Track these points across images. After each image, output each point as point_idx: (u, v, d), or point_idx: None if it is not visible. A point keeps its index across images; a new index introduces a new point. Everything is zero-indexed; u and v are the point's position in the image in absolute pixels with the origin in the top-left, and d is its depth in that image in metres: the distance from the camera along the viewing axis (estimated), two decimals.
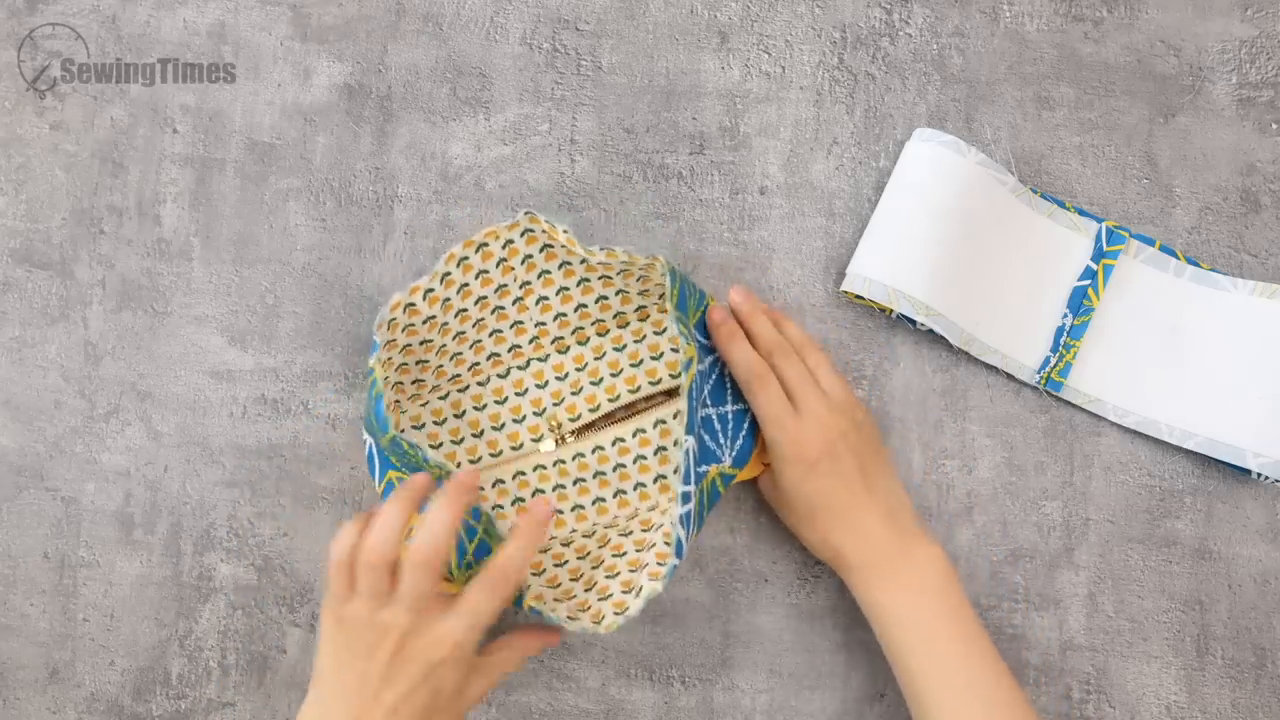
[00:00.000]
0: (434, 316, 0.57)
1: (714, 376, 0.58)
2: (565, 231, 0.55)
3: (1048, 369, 0.61)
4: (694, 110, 0.64)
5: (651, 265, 0.56)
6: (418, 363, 0.59)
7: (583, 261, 0.58)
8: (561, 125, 0.64)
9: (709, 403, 0.57)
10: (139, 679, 0.62)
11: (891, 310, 0.60)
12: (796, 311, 0.63)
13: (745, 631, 0.61)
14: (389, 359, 0.56)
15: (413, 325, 0.57)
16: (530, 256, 0.59)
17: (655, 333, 0.62)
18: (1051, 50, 0.64)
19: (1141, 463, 0.62)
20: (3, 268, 0.64)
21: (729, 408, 0.58)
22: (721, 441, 0.57)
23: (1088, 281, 0.61)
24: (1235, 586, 0.61)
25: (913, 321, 0.61)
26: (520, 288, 0.60)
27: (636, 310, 0.61)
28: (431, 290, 0.56)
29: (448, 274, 0.57)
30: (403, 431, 0.60)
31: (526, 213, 0.56)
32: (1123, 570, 0.61)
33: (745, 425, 0.58)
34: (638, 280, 0.59)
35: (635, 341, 0.62)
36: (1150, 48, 0.64)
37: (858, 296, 0.61)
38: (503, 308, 0.60)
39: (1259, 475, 0.59)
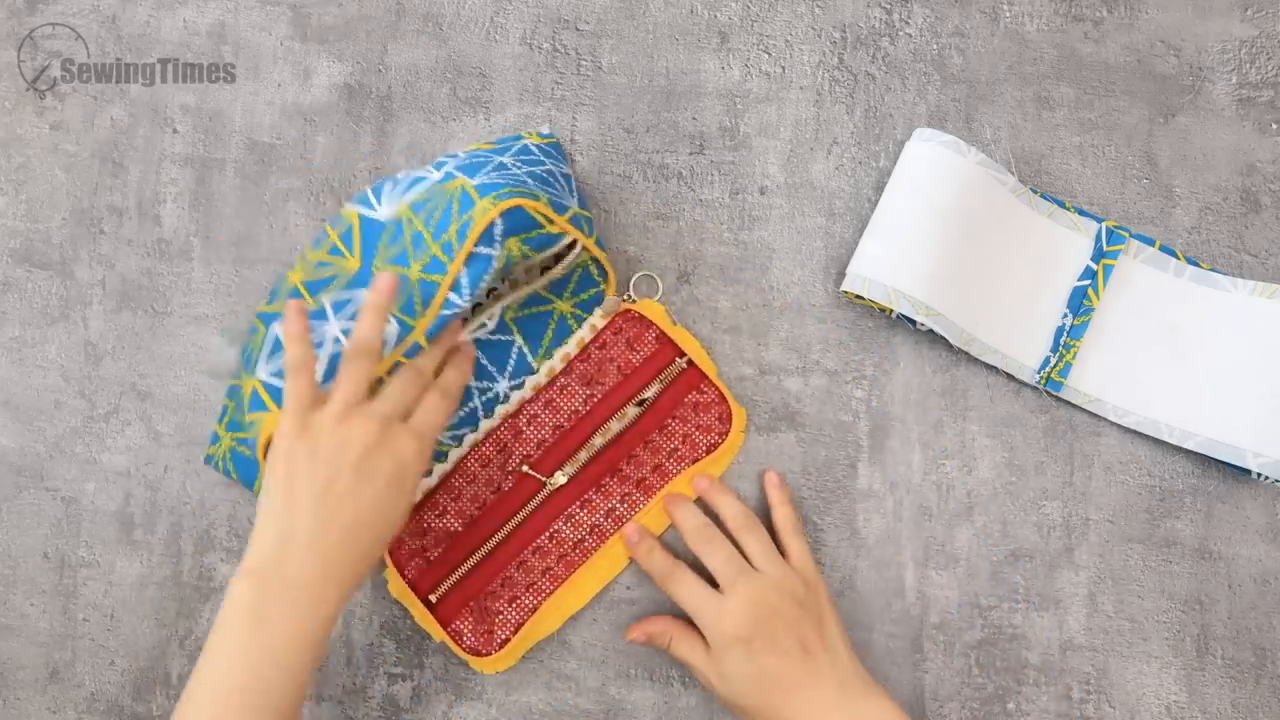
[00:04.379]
0: None
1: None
2: None
3: (1048, 369, 0.61)
4: (694, 110, 0.64)
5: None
6: None
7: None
8: (561, 125, 0.64)
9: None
10: (139, 679, 0.62)
11: (891, 310, 0.60)
12: (796, 311, 0.63)
13: None
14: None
15: None
16: None
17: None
18: (1051, 50, 0.64)
19: (1141, 463, 0.62)
20: (3, 268, 0.64)
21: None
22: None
23: (1088, 281, 0.61)
24: (1235, 586, 0.61)
25: (913, 321, 0.61)
26: None
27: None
28: None
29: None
30: None
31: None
32: (1123, 570, 0.61)
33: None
34: None
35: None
36: (1150, 48, 0.64)
37: (858, 296, 0.61)
38: None
39: (1259, 475, 0.59)
